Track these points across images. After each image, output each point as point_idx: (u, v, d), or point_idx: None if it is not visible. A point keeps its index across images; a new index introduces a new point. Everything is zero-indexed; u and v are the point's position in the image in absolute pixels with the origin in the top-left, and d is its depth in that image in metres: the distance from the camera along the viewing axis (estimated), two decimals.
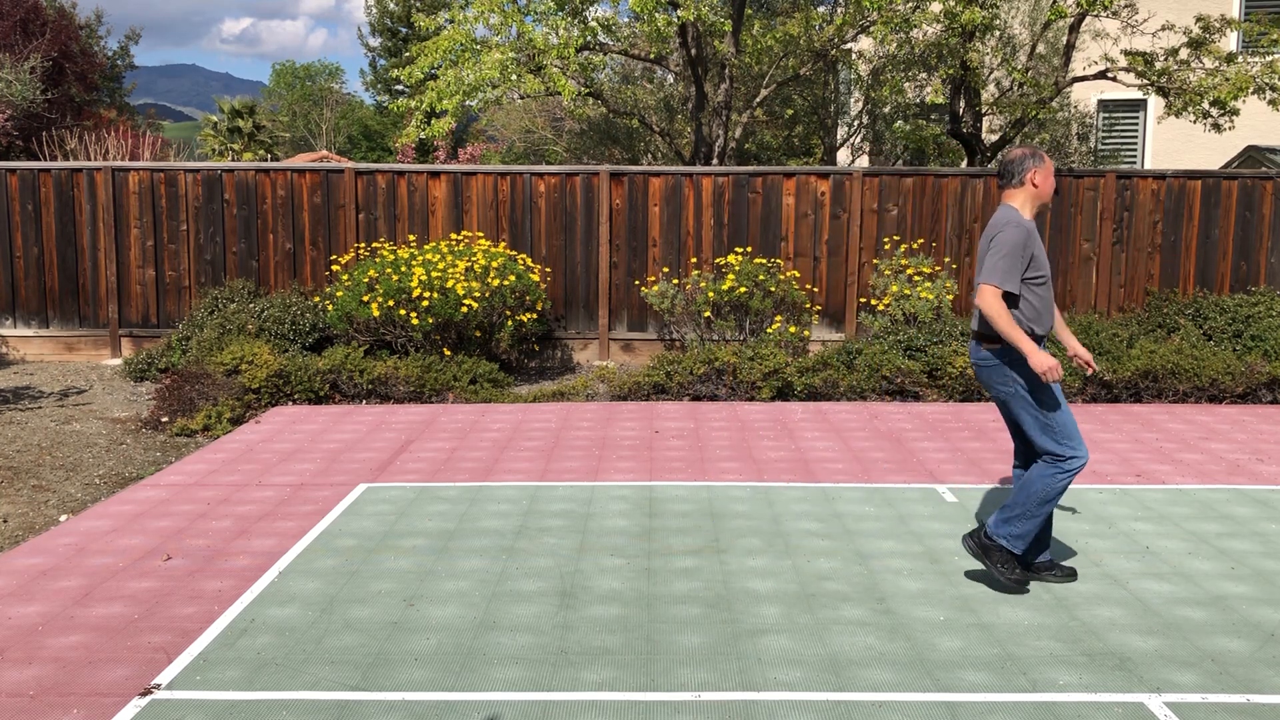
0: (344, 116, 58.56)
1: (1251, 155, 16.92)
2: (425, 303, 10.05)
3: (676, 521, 6.03)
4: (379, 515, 6.15)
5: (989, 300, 4.66)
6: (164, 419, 8.61)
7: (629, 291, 11.73)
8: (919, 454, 7.64)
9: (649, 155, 21.64)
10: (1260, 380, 9.48)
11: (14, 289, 11.79)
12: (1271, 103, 11.93)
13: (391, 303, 10.11)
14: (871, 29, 12.78)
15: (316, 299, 11.20)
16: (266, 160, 36.76)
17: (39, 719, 3.77)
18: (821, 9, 17.87)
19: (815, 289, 11.68)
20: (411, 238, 11.58)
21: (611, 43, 14.01)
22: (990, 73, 16.45)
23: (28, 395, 9.94)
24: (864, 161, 20.46)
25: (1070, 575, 5.09)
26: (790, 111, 20.13)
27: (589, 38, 12.53)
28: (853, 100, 20.26)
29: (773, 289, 10.94)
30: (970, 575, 5.16)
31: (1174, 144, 19.60)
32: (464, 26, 12.44)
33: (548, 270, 11.67)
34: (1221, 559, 5.43)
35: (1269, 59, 12.13)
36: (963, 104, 14.29)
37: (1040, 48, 17.31)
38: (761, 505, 6.35)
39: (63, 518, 6.27)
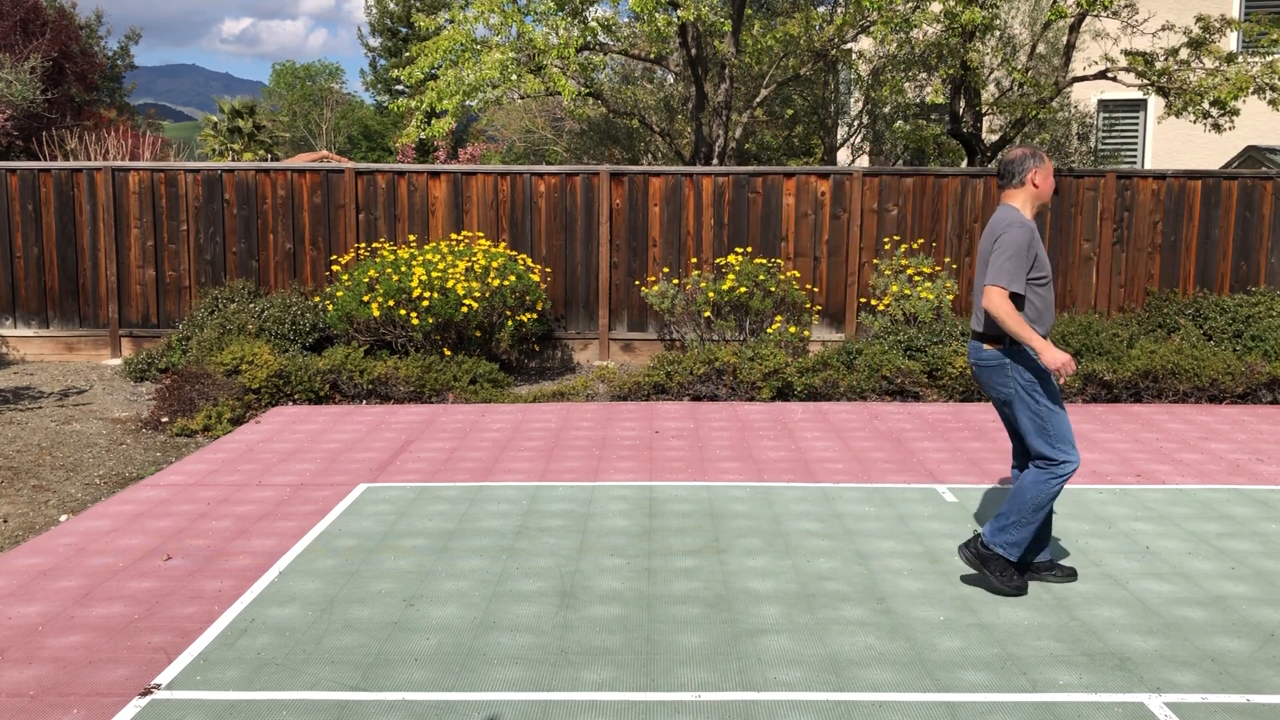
0: (344, 116, 58.57)
1: (1251, 155, 16.92)
2: (425, 303, 10.05)
3: (676, 521, 6.03)
4: (379, 515, 6.15)
5: (997, 302, 4.65)
6: (164, 419, 8.61)
7: (629, 291, 11.73)
8: (919, 454, 7.64)
9: (649, 155, 21.64)
10: (1260, 380, 9.48)
11: (14, 289, 11.79)
12: (1271, 103, 11.93)
13: (392, 303, 10.11)
14: (871, 29, 12.78)
15: (316, 299, 11.20)
16: (266, 160, 36.77)
17: (39, 719, 3.77)
18: (821, 9, 17.87)
19: (815, 289, 11.68)
20: (412, 238, 11.58)
21: (611, 43, 14.01)
22: (990, 73, 16.45)
23: (28, 395, 9.94)
24: (864, 161, 20.45)
25: (1070, 575, 5.09)
26: (790, 111, 20.13)
27: (589, 38, 12.53)
28: (853, 100, 20.26)
29: (773, 289, 10.94)
30: (968, 578, 5.16)
31: (1174, 144, 19.60)
32: (464, 26, 12.44)
33: (548, 270, 11.67)
34: (1221, 559, 5.43)
35: (1269, 59, 12.13)
36: (963, 104, 14.30)
37: (1040, 48, 17.31)
38: (761, 505, 6.35)
39: (63, 518, 6.28)
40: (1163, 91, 12.24)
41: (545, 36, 12.28)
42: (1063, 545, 5.63)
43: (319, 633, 4.49)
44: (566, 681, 4.04)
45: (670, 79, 20.54)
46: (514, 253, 11.40)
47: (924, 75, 16.67)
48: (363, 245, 11.64)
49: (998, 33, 16.01)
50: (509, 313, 10.46)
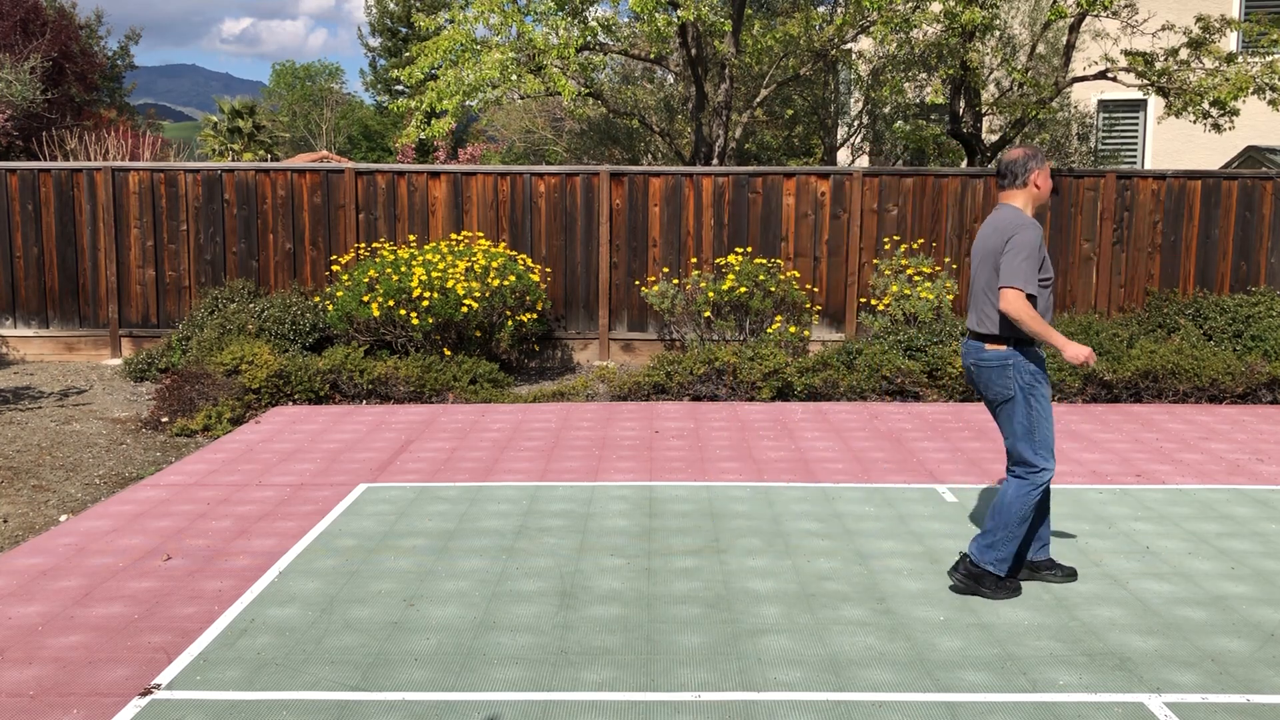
0: (344, 116, 58.57)
1: (1251, 155, 16.92)
2: (425, 303, 10.05)
3: (676, 521, 6.03)
4: (379, 515, 6.15)
5: (1016, 303, 4.63)
6: (164, 419, 8.61)
7: (629, 291, 11.73)
8: (919, 454, 7.64)
9: (649, 155, 21.64)
10: (1260, 380, 9.48)
11: (14, 289, 11.79)
12: (1271, 103, 11.93)
13: (391, 303, 10.11)
14: (871, 29, 12.77)
15: (316, 299, 11.20)
16: (266, 160, 36.77)
17: (39, 719, 3.77)
18: (821, 9, 17.87)
19: (815, 289, 11.68)
20: (411, 238, 11.58)
21: (611, 43, 14.01)
22: (990, 73, 16.45)
23: (28, 395, 9.94)
24: (864, 161, 20.45)
25: (1070, 575, 5.09)
26: (790, 111, 20.13)
27: (589, 38, 12.53)
28: (853, 100, 20.25)
29: (773, 289, 10.94)
30: (961, 590, 5.15)
31: (1174, 144, 19.60)
32: (464, 27, 12.43)
33: (548, 270, 11.67)
34: (1221, 559, 5.43)
35: (1269, 59, 12.13)
36: (963, 104, 14.29)
37: (1040, 48, 17.30)
38: (761, 505, 6.35)
39: (63, 518, 6.28)
40: (1163, 91, 12.24)
41: (545, 36, 12.27)
42: (1063, 545, 5.63)
43: (319, 633, 4.49)
44: (566, 681, 4.04)
45: (670, 79, 20.54)
46: (514, 253, 11.40)
47: (924, 75, 16.67)
48: (363, 245, 11.64)
49: (998, 33, 16.00)
50: (509, 313, 10.46)
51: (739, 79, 16.86)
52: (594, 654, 4.28)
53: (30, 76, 18.83)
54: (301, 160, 33.69)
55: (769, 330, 10.91)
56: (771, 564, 5.32)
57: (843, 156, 20.58)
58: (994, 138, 16.04)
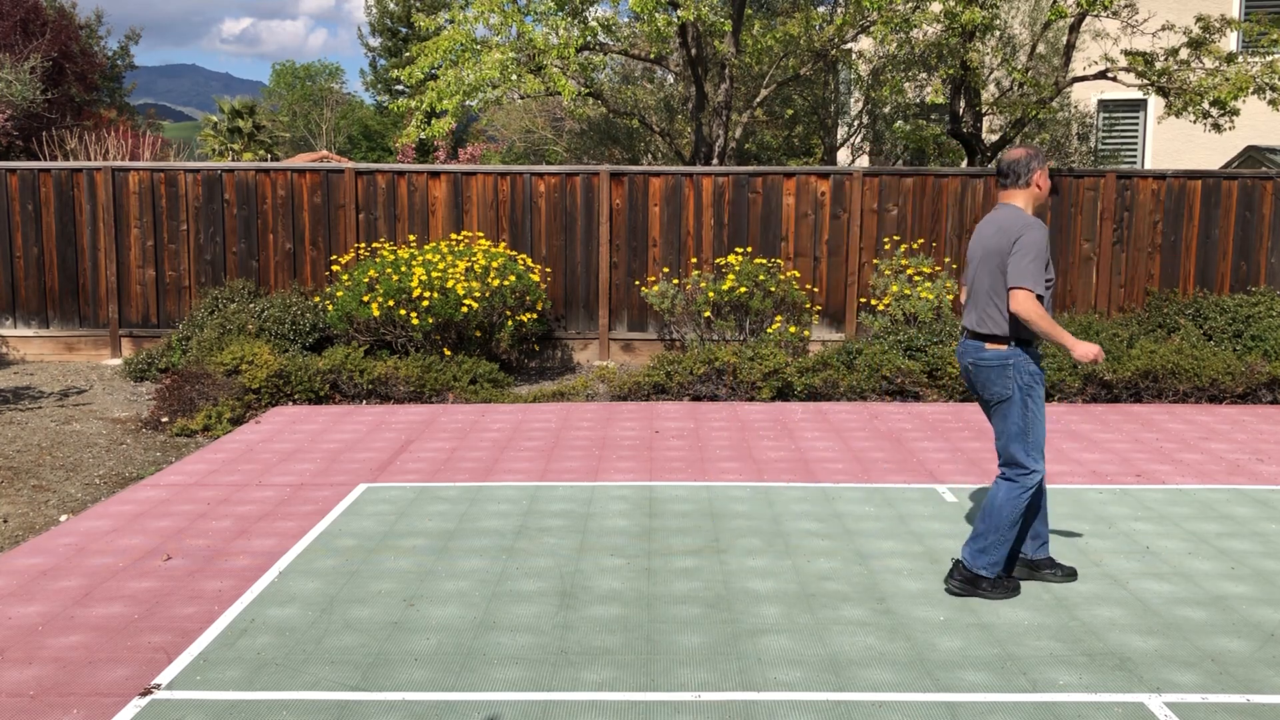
0: (344, 116, 58.57)
1: (1251, 155, 16.92)
2: (425, 303, 10.06)
3: (676, 521, 6.03)
4: (379, 515, 6.15)
5: (1027, 304, 4.62)
6: (164, 419, 8.61)
7: (629, 291, 11.73)
8: (919, 454, 7.64)
9: (649, 155, 21.63)
10: (1260, 380, 9.48)
11: (14, 289, 11.79)
12: (1271, 103, 11.93)
13: (392, 303, 10.11)
14: (871, 29, 12.77)
15: (316, 299, 11.20)
16: (266, 160, 36.77)
17: (39, 719, 3.77)
18: (821, 9, 17.87)
19: (815, 289, 11.68)
20: (411, 238, 11.58)
21: (611, 43, 14.01)
22: (990, 73, 16.45)
23: (28, 395, 9.94)
24: (864, 161, 20.45)
25: (1070, 575, 5.09)
26: (790, 111, 20.13)
27: (589, 38, 12.52)
28: (853, 100, 20.25)
29: (773, 289, 10.94)
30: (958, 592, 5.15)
31: (1174, 144, 19.60)
32: (464, 26, 12.43)
33: (548, 270, 11.67)
34: (1221, 559, 5.43)
35: (1269, 59, 12.13)
36: (963, 104, 14.29)
37: (1040, 48, 17.30)
38: (761, 505, 6.35)
39: (63, 518, 6.28)
40: (1163, 91, 12.24)
41: (545, 36, 12.27)
42: (1063, 545, 5.63)
43: (319, 633, 4.49)
44: (566, 681, 4.04)
45: (670, 79, 20.53)
46: (514, 253, 11.40)
47: (924, 75, 16.66)
48: (363, 245, 11.64)
49: (998, 33, 16.00)
50: (509, 313, 10.47)
51: (739, 79, 16.86)
52: (594, 654, 4.28)
53: (30, 76, 18.83)
54: (301, 160, 33.69)
55: (769, 330, 10.91)
56: (771, 564, 5.32)
57: (843, 156, 20.57)
58: (994, 138, 16.04)
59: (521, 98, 14.16)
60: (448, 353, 10.27)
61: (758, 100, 15.77)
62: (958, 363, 5.09)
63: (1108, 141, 20.30)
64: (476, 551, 5.51)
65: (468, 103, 12.23)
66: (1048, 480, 6.94)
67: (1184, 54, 12.45)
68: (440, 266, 10.24)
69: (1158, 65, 12.25)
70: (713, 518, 6.10)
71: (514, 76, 11.93)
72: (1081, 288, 11.70)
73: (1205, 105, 11.95)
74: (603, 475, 7.05)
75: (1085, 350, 4.70)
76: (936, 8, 12.89)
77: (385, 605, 4.78)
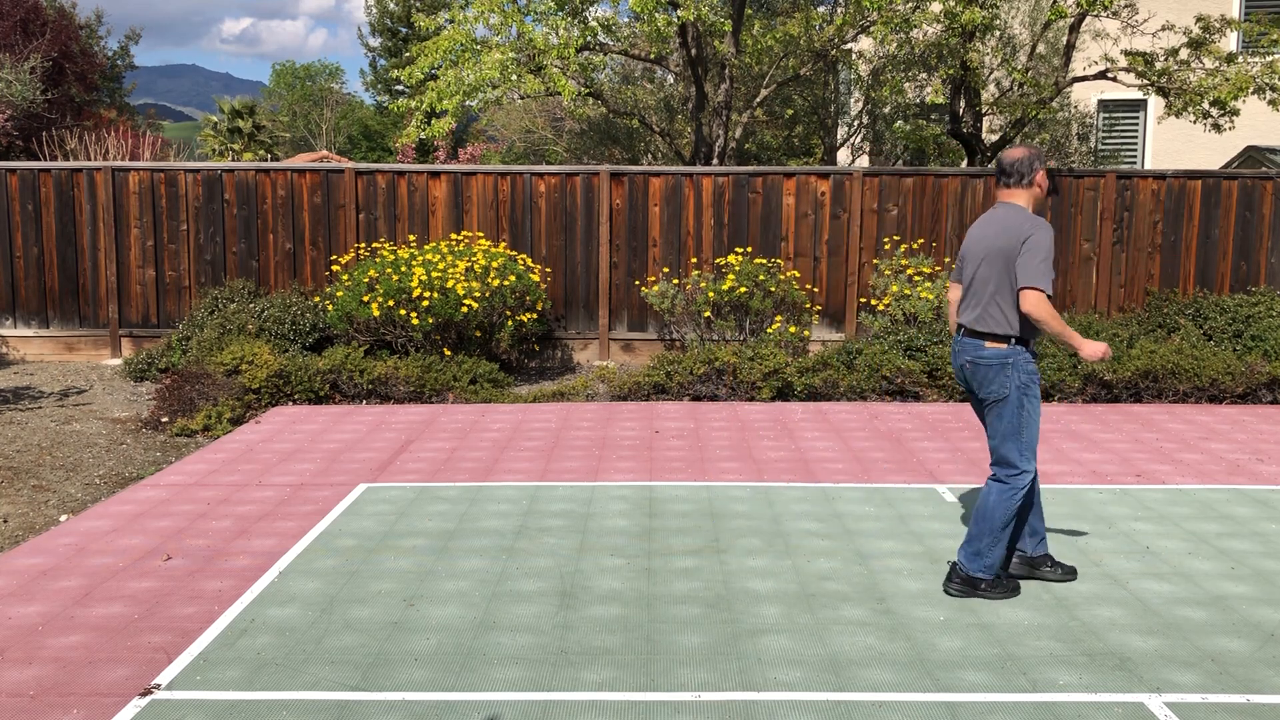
0: (344, 116, 58.57)
1: (1251, 155, 16.92)
2: (425, 303, 10.06)
3: (676, 521, 6.03)
4: (379, 515, 6.15)
5: (1040, 304, 4.62)
6: (164, 419, 8.61)
7: (629, 291, 11.73)
8: (919, 454, 7.64)
9: (649, 155, 21.63)
10: (1260, 380, 9.48)
11: (14, 289, 11.79)
12: (1271, 103, 11.93)
13: (391, 303, 10.11)
14: (871, 29, 12.77)
15: (316, 299, 11.20)
16: (266, 160, 36.78)
17: (39, 719, 3.77)
18: (821, 9, 17.87)
19: (815, 289, 11.68)
20: (411, 238, 11.58)
21: (611, 43, 14.01)
22: (990, 73, 16.45)
23: (28, 395, 9.94)
24: (864, 161, 20.45)
25: (1070, 573, 5.09)
26: (790, 111, 20.13)
27: (589, 38, 12.52)
28: (853, 100, 20.25)
29: (773, 289, 10.94)
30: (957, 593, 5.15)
31: (1174, 144, 19.60)
32: (464, 27, 12.43)
33: (548, 270, 11.67)
34: (1221, 559, 5.43)
35: (1269, 59, 12.13)
36: (963, 104, 14.29)
37: (1040, 48, 17.30)
38: (761, 505, 6.35)
39: (63, 518, 6.28)
40: (1163, 91, 12.24)
41: (545, 36, 12.27)
42: (1063, 545, 5.63)
43: (319, 633, 4.49)
44: (566, 681, 4.04)
45: (670, 79, 20.53)
46: (514, 253, 11.40)
47: (924, 75, 16.66)
48: (363, 245, 11.64)
49: (998, 33, 16.00)
50: (509, 313, 10.47)
51: (739, 79, 16.86)
52: (594, 654, 4.28)
53: (30, 76, 18.83)
54: (301, 160, 33.69)
55: (769, 330, 10.91)
56: (771, 564, 5.32)
57: (843, 156, 20.57)
58: (994, 138, 16.04)
59: (521, 98, 14.16)
60: (448, 353, 10.27)
61: (758, 100, 15.77)
62: (952, 362, 5.06)
63: (1108, 141, 20.30)
64: (476, 551, 5.51)
65: (468, 103, 12.23)
66: (1047, 480, 6.95)
67: (1184, 54, 12.45)
68: (440, 266, 10.24)
69: (1158, 65, 12.26)
70: (713, 518, 6.10)
71: (514, 76, 11.93)
72: (1081, 288, 11.70)
73: (1205, 105, 11.95)
74: (603, 475, 7.05)
75: (1093, 350, 4.71)
76: (936, 8, 12.89)
77: (385, 605, 4.78)
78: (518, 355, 11.13)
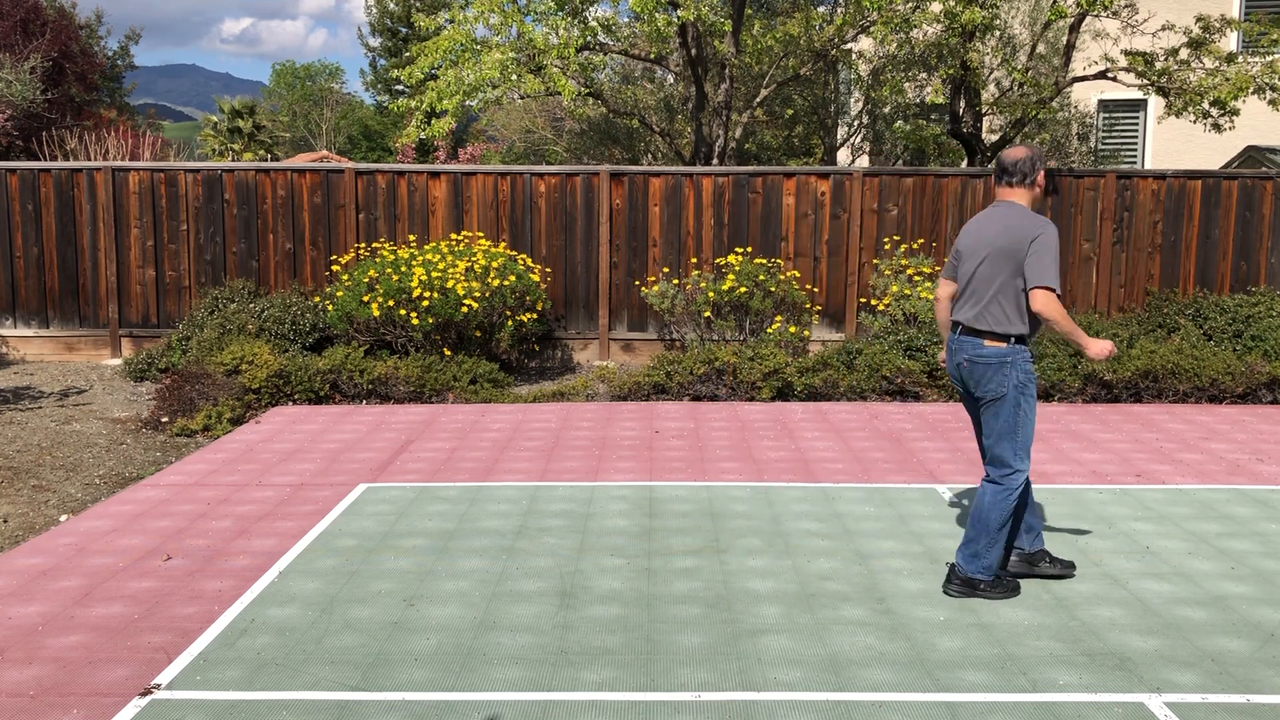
0: (344, 116, 58.57)
1: (1251, 155, 16.92)
2: (425, 303, 10.06)
3: (676, 521, 6.03)
4: (379, 515, 6.15)
5: (1051, 303, 4.62)
6: (164, 419, 8.61)
7: (629, 291, 11.73)
8: (919, 454, 7.64)
9: (649, 155, 21.63)
10: (1260, 380, 9.48)
11: (14, 289, 11.79)
12: (1271, 103, 11.93)
13: (391, 303, 10.11)
14: (871, 29, 12.78)
15: (316, 299, 11.20)
16: (266, 160, 36.78)
17: (39, 719, 3.77)
18: (821, 9, 17.87)
19: (815, 289, 11.68)
20: (411, 238, 11.58)
21: (611, 43, 14.01)
22: (990, 73, 16.45)
23: (28, 395, 9.94)
24: (864, 161, 20.45)
25: (1069, 567, 5.09)
26: (790, 111, 20.13)
27: (589, 38, 12.53)
28: (853, 100, 20.25)
29: (773, 289, 10.94)
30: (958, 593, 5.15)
31: (1174, 144, 19.60)
32: (464, 27, 12.43)
33: (548, 270, 11.67)
34: (1221, 559, 5.43)
35: (1269, 59, 12.13)
36: (963, 104, 14.29)
37: (1040, 48, 17.30)
38: (761, 505, 6.35)
39: (63, 518, 6.28)
40: (1163, 91, 12.24)
41: (545, 36, 12.28)
42: (1063, 545, 5.63)
43: (319, 633, 4.49)
44: (566, 681, 4.04)
45: (670, 79, 20.54)
46: (514, 253, 11.40)
47: (924, 75, 16.67)
48: (363, 245, 11.64)
49: (998, 33, 16.00)
50: (509, 313, 10.47)
51: (739, 79, 16.86)
52: (594, 654, 4.28)
53: (30, 76, 18.83)
54: (301, 160, 33.69)
55: (769, 330, 10.91)
56: (771, 564, 5.32)
57: (843, 156, 20.57)
58: (994, 138, 16.05)
59: (521, 98, 14.16)
60: (448, 353, 10.27)
61: (758, 100, 15.77)
62: (947, 360, 5.05)
63: (1108, 141, 20.30)
64: (476, 551, 5.51)
65: (468, 103, 12.23)
66: (1048, 480, 6.95)
67: (1184, 54, 12.45)
68: (440, 266, 10.24)
69: (1158, 65, 12.26)
70: (713, 518, 6.10)
71: (514, 76, 11.93)
72: (1081, 288, 11.70)
73: (1205, 105, 11.96)
74: (603, 475, 7.05)
75: (1099, 349, 4.72)
76: (936, 8, 12.89)
77: (385, 605, 4.78)
78: (518, 355, 11.13)
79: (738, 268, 11.05)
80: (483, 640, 4.41)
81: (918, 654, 4.28)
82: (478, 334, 10.48)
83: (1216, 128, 12.27)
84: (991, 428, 4.83)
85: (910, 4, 12.51)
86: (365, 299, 10.22)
